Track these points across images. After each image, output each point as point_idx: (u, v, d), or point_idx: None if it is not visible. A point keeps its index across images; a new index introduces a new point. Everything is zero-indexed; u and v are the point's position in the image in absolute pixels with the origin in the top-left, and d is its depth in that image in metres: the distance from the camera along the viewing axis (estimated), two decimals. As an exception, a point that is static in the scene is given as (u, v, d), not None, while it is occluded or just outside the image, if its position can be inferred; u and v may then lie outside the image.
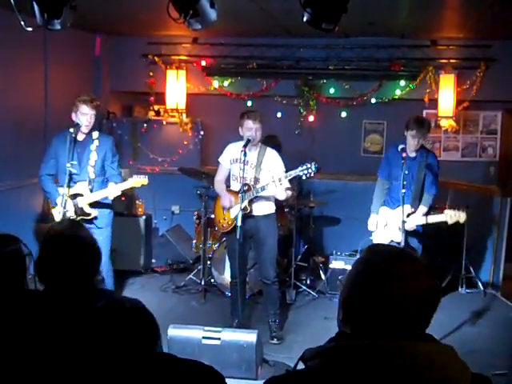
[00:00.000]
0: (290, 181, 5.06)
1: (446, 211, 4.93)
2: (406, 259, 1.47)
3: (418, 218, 5.06)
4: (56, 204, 5.00)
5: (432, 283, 1.45)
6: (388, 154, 5.46)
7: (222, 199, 5.18)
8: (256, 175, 5.00)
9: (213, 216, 6.24)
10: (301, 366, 1.46)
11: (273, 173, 4.93)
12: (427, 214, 5.13)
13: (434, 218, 5.07)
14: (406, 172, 4.84)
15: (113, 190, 4.91)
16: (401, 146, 4.85)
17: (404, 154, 4.78)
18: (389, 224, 5.24)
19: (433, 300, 1.44)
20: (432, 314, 1.45)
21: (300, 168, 4.75)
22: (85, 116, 4.88)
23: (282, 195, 4.93)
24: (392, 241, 5.06)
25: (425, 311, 1.43)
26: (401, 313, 1.40)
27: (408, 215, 4.97)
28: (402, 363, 1.32)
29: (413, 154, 5.10)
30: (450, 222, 4.92)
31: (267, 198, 5.07)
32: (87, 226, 4.96)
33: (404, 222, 4.79)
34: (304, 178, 4.81)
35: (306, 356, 1.43)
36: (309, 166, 4.72)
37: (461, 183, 7.07)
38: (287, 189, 4.99)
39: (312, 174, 4.75)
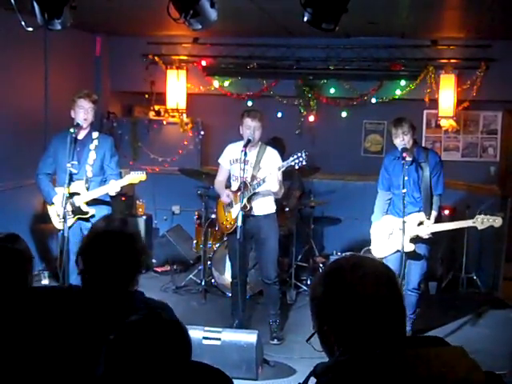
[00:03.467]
0: (291, 173, 5.06)
1: (476, 216, 4.72)
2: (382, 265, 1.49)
3: (440, 225, 4.90)
4: (51, 202, 5.01)
5: (392, 289, 1.46)
6: (385, 163, 5.22)
7: (222, 196, 5.18)
8: (254, 173, 5.00)
9: (213, 216, 6.25)
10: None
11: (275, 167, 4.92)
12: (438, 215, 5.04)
13: (460, 224, 4.90)
14: (406, 178, 4.78)
15: (113, 186, 4.90)
16: (402, 147, 4.79)
17: (404, 154, 4.72)
18: (396, 232, 4.99)
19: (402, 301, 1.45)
20: (402, 318, 1.46)
21: (291, 158, 4.77)
22: (82, 109, 4.88)
23: (275, 187, 4.89)
24: (398, 250, 4.84)
25: (401, 313, 1.44)
26: (377, 320, 1.40)
27: (421, 223, 4.86)
28: (416, 370, 1.30)
29: (409, 158, 4.84)
30: (481, 227, 4.73)
31: (267, 197, 5.06)
32: (86, 225, 4.99)
33: (404, 223, 4.71)
34: (296, 167, 4.82)
35: (317, 371, 1.41)
36: (299, 154, 4.74)
37: (461, 183, 7.06)
38: (280, 181, 4.98)
39: (303, 162, 4.75)
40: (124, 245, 2.31)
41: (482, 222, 4.70)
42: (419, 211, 4.92)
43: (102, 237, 2.33)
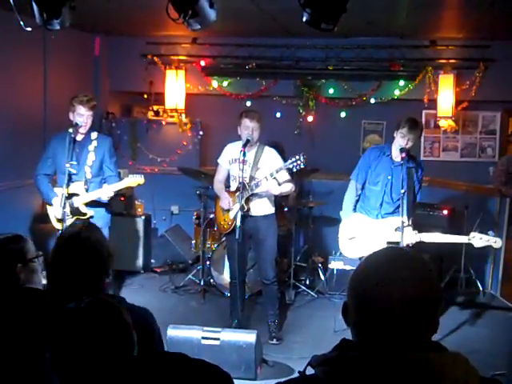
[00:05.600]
0: (291, 175, 5.03)
1: (471, 234, 4.61)
2: (402, 264, 1.42)
3: (431, 236, 4.72)
4: (51, 204, 5.00)
5: (430, 288, 1.39)
6: (369, 158, 4.97)
7: (221, 201, 5.19)
8: (252, 174, 5.00)
9: (212, 216, 6.25)
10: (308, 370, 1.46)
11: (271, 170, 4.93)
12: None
13: (454, 239, 4.76)
14: (390, 177, 4.76)
15: (105, 191, 4.89)
16: (401, 146, 4.73)
17: (403, 155, 4.62)
18: (371, 234, 4.84)
19: (431, 305, 1.39)
20: (434, 322, 1.40)
21: (289, 161, 4.77)
22: (81, 117, 4.86)
23: (277, 190, 4.92)
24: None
25: (423, 317, 1.38)
26: (396, 324, 1.36)
27: (402, 227, 4.62)
28: (403, 374, 1.30)
29: (398, 159, 4.76)
30: (478, 245, 4.60)
31: (266, 198, 5.07)
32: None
33: (403, 225, 4.57)
34: (294, 170, 4.81)
35: (312, 362, 1.42)
36: (297, 157, 4.73)
37: (460, 183, 7.07)
38: (286, 182, 4.98)
39: (301, 165, 4.74)
40: (83, 250, 2.34)
41: (479, 241, 4.57)
42: (394, 212, 4.81)
43: (62, 245, 2.39)
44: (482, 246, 4.62)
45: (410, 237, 4.64)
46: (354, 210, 5.05)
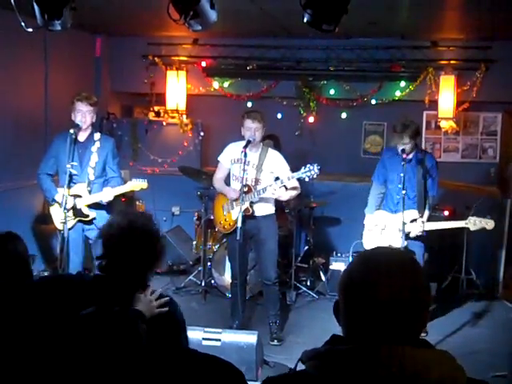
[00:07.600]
0: (298, 180, 5.00)
1: (469, 218, 4.88)
2: (390, 264, 1.43)
3: (434, 224, 5.03)
4: (53, 201, 5.00)
5: (417, 286, 1.40)
6: (384, 158, 5.40)
7: (228, 193, 5.11)
8: (257, 176, 4.99)
9: (213, 217, 6.25)
10: (301, 366, 1.47)
11: (277, 174, 4.93)
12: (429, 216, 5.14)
13: (452, 224, 5.05)
14: (402, 174, 4.84)
15: (106, 195, 4.90)
16: (401, 148, 4.85)
17: (404, 155, 4.80)
18: (388, 228, 5.19)
19: (419, 302, 1.40)
20: (421, 317, 1.41)
21: (303, 170, 4.73)
22: (80, 113, 4.88)
23: (286, 196, 4.93)
24: (390, 246, 4.93)
25: (411, 314, 1.39)
26: (384, 318, 1.37)
27: (414, 220, 4.96)
28: (392, 369, 1.30)
29: (409, 156, 4.97)
30: (473, 229, 4.87)
31: (267, 199, 5.06)
32: (87, 226, 4.99)
33: (404, 224, 4.79)
34: (307, 179, 4.80)
35: (303, 358, 1.43)
36: (311, 168, 4.70)
37: (461, 184, 7.06)
38: (293, 188, 4.98)
39: (315, 176, 4.73)
40: (148, 242, 2.36)
41: (474, 223, 4.84)
42: (411, 209, 5.01)
43: (127, 231, 2.34)
44: (476, 229, 4.90)
45: (417, 228, 4.94)
46: (379, 208, 5.35)
